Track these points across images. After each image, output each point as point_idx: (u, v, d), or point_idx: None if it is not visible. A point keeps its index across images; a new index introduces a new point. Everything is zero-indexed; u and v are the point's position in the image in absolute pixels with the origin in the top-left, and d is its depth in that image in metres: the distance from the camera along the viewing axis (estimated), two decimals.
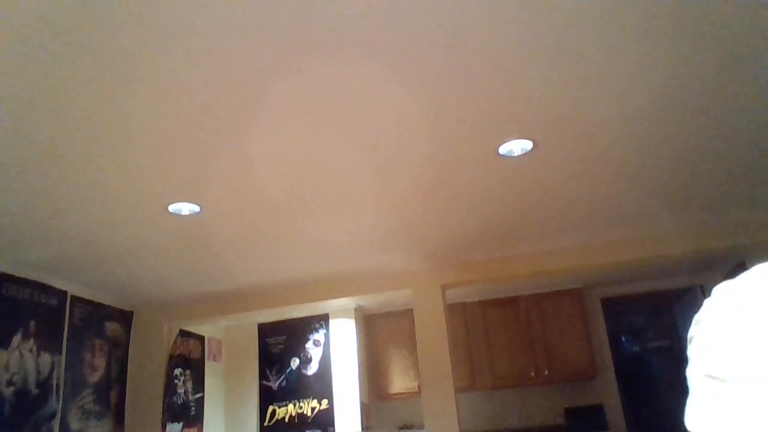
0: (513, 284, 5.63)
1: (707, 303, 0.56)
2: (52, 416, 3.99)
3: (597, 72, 2.25)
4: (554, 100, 2.42)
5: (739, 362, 0.49)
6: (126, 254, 3.82)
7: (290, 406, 5.76)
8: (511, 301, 5.96)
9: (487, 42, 2.02)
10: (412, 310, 5.24)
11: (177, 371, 5.23)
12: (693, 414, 0.53)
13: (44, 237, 3.39)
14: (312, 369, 5.80)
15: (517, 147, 2.82)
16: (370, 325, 6.16)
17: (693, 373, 0.54)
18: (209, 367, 5.83)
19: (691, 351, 0.55)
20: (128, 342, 4.99)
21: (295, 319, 5.92)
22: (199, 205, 3.17)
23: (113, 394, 4.71)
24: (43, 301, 4.04)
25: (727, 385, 0.49)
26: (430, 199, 3.38)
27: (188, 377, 5.41)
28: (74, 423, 4.20)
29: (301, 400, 5.74)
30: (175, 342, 5.23)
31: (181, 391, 5.26)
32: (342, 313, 5.84)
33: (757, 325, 0.49)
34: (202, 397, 5.61)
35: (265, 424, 5.79)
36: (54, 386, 4.04)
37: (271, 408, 5.81)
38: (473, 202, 3.49)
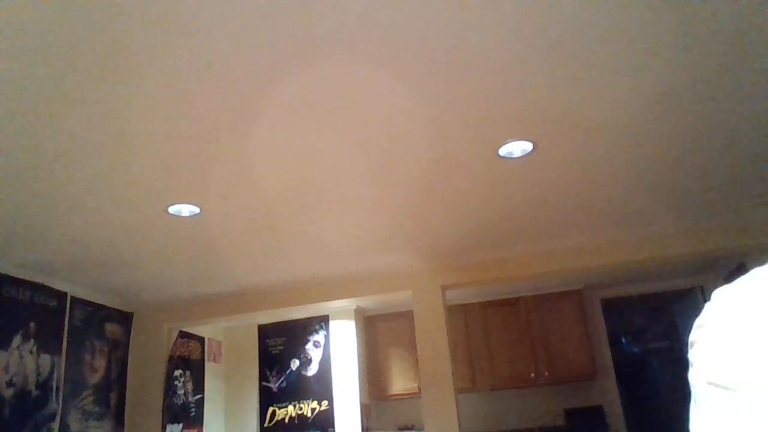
0: (513, 285, 5.63)
1: (708, 307, 0.56)
2: (52, 417, 3.99)
3: (597, 73, 2.25)
4: (554, 102, 2.42)
5: (742, 370, 0.49)
6: (126, 255, 3.82)
7: (290, 407, 5.76)
8: (511, 302, 5.96)
9: (487, 43, 2.02)
10: (412, 311, 5.23)
11: (177, 372, 5.23)
12: (698, 423, 0.52)
13: (44, 238, 3.39)
14: (312, 370, 5.80)
15: (517, 148, 2.82)
16: (370, 326, 6.16)
17: (696, 380, 0.54)
18: (209, 368, 5.82)
19: (693, 356, 0.55)
20: (128, 343, 4.99)
21: (295, 320, 5.92)
22: (199, 207, 3.17)
23: (113, 395, 4.70)
24: (43, 302, 4.04)
25: (731, 394, 0.49)
26: (431, 200, 3.38)
27: (188, 378, 5.40)
28: (74, 424, 4.20)
29: (301, 401, 5.74)
30: (175, 343, 5.23)
31: (181, 392, 5.25)
32: (342, 315, 5.84)
33: (759, 333, 0.49)
34: (202, 398, 5.61)
35: (265, 425, 5.78)
36: (54, 387, 4.04)
37: (271, 409, 5.81)
38: (473, 204, 3.49)
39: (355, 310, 5.83)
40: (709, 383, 0.51)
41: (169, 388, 5.05)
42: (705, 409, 0.52)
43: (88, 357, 4.44)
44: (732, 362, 0.50)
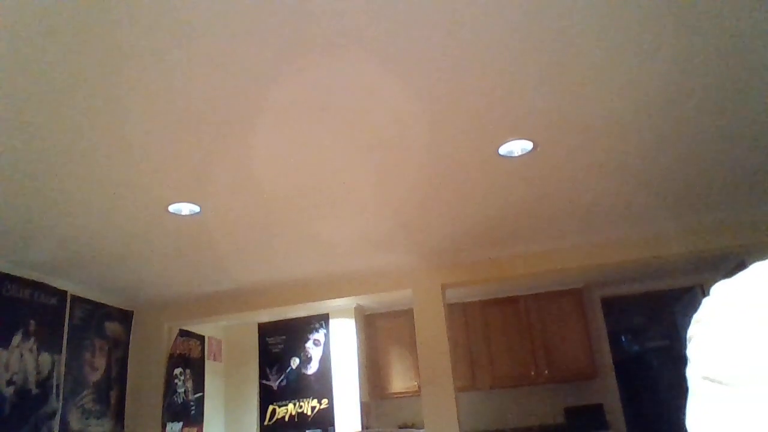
0: (513, 284, 5.63)
1: (706, 302, 0.56)
2: (52, 416, 3.99)
3: (597, 72, 2.25)
4: (554, 101, 2.42)
5: (738, 365, 0.49)
6: (126, 254, 3.82)
7: (290, 406, 5.76)
8: (511, 301, 5.96)
9: (487, 42, 2.02)
10: (412, 310, 5.24)
11: (177, 371, 5.23)
12: (694, 418, 0.52)
13: (44, 237, 3.39)
14: (312, 368, 5.81)
15: (517, 147, 2.82)
16: (370, 325, 6.16)
17: (692, 375, 0.54)
18: (209, 366, 5.83)
19: (691, 351, 0.55)
20: (128, 342, 4.99)
21: (295, 318, 5.92)
22: (199, 206, 3.17)
23: (113, 394, 4.71)
24: (43, 300, 4.04)
25: (727, 389, 0.49)
26: (431, 199, 3.38)
27: (188, 377, 5.41)
28: (74, 422, 4.20)
29: (301, 400, 5.74)
30: (175, 342, 5.23)
31: (181, 390, 5.26)
32: (342, 313, 5.84)
33: (757, 327, 0.49)
34: (202, 397, 5.61)
35: (265, 423, 5.79)
36: (54, 386, 4.04)
37: (271, 407, 5.81)
38: (473, 203, 3.49)
39: (355, 308, 5.83)
40: (705, 378, 0.52)
41: (169, 387, 5.06)
42: (700, 403, 0.52)
43: (88, 355, 4.45)
44: (728, 357, 0.50)
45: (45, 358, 3.98)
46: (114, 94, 2.12)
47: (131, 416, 4.83)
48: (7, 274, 3.76)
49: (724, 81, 2.39)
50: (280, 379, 5.87)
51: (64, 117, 2.23)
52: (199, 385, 5.58)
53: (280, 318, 5.91)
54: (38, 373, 3.91)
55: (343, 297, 5.00)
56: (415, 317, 4.74)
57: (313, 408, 5.68)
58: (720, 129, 2.80)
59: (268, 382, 5.91)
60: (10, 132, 2.30)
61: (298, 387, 5.79)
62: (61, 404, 4.08)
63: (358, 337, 5.82)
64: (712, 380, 0.51)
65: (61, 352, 4.15)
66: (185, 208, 3.18)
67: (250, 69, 2.05)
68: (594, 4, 1.87)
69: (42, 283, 4.04)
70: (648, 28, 2.01)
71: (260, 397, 5.89)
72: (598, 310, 6.07)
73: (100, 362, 4.59)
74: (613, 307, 6.31)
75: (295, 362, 5.88)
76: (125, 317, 4.98)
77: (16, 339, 3.76)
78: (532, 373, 5.72)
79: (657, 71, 2.28)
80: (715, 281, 0.58)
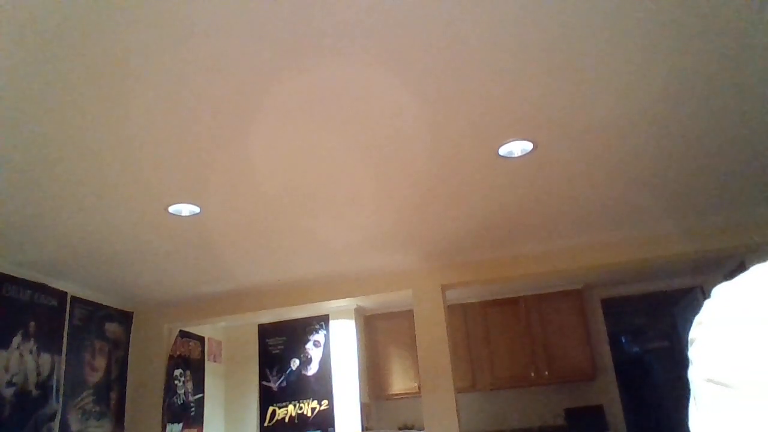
0: (513, 285, 5.63)
1: (708, 305, 0.56)
2: (52, 417, 3.99)
3: (597, 73, 2.25)
4: (554, 101, 2.42)
5: (741, 367, 0.49)
6: (126, 255, 3.82)
7: (290, 407, 5.76)
8: (511, 302, 5.96)
9: (487, 42, 2.02)
10: (412, 311, 5.23)
11: (177, 372, 5.23)
12: (697, 420, 0.52)
13: (44, 238, 3.39)
14: (312, 369, 5.80)
15: (517, 148, 2.82)
16: (370, 326, 6.16)
17: (695, 377, 0.54)
18: (209, 367, 5.83)
19: (693, 353, 0.55)
20: (128, 343, 4.99)
21: (295, 319, 5.92)
22: (199, 206, 3.17)
23: (113, 395, 4.70)
24: (43, 301, 4.04)
25: (730, 391, 0.49)
26: (430, 199, 3.38)
27: (188, 378, 5.41)
28: (74, 423, 4.20)
29: (301, 401, 5.74)
30: (175, 342, 5.23)
31: (181, 391, 5.26)
32: (342, 314, 5.84)
33: (758, 329, 0.49)
34: (202, 398, 5.61)
35: (265, 424, 5.78)
36: (54, 387, 4.04)
37: (271, 408, 5.81)
38: (473, 203, 3.49)
39: (355, 309, 5.83)
40: (708, 380, 0.51)
41: (169, 388, 5.06)
42: (704, 406, 0.52)
43: (88, 356, 4.44)
44: (731, 359, 0.50)
45: (45, 359, 3.98)
46: (114, 95, 2.12)
47: (131, 417, 4.83)
48: (7, 275, 3.76)
49: (724, 82, 2.39)
50: (280, 381, 5.87)
51: (64, 118, 2.23)
52: (199, 386, 5.58)
53: (280, 319, 5.91)
54: (38, 374, 3.91)
55: (343, 298, 5.00)
56: (415, 318, 4.74)
57: (313, 409, 5.68)
58: (720, 129, 2.80)
59: (268, 383, 5.91)
60: (10, 133, 2.30)
61: (298, 388, 5.79)
62: (61, 405, 4.08)
63: (358, 338, 5.81)
64: (716, 383, 0.50)
65: (61, 353, 4.15)
66: (185, 209, 3.18)
67: (250, 69, 2.05)
68: (594, 5, 1.87)
69: (42, 284, 4.04)
70: (648, 29, 2.01)
71: (260, 399, 5.88)
72: (598, 310, 6.07)
73: (100, 363, 4.59)
74: (613, 307, 6.30)
75: (295, 363, 5.88)
76: (125, 318, 4.98)
77: (16, 340, 3.76)
78: (532, 374, 5.72)
79: (657, 72, 2.28)
80: (715, 282, 0.58)
